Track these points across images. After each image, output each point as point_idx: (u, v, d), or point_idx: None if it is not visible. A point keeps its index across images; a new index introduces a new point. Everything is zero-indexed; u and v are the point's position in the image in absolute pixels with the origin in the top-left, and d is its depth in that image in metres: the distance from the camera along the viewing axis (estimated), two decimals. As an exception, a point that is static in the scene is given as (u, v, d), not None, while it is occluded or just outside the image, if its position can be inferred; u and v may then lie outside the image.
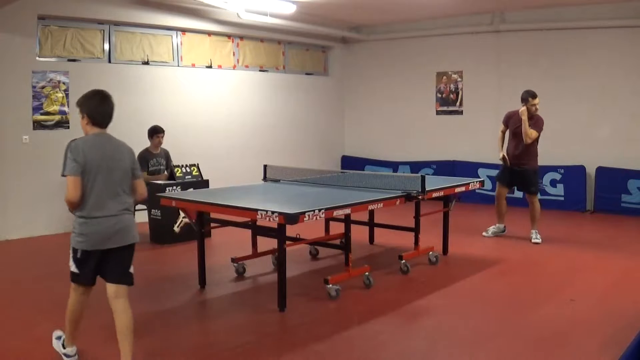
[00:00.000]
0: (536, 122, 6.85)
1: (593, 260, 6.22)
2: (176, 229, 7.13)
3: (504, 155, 7.07)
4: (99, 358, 3.79)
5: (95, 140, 3.47)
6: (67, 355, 3.68)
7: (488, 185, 9.58)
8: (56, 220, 7.69)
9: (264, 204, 4.74)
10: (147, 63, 8.70)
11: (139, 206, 7.59)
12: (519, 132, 6.87)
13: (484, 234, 7.41)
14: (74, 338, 3.71)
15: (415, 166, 10.68)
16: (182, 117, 8.99)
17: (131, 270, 3.57)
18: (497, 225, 7.40)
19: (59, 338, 3.81)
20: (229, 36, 9.78)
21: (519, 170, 6.99)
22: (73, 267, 3.50)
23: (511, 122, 7.06)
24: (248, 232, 5.84)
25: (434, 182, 6.02)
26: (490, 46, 10.14)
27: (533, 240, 6.95)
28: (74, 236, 3.45)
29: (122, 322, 3.50)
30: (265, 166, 6.52)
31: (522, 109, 6.82)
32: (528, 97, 6.84)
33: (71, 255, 3.49)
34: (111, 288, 3.52)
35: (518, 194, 8.11)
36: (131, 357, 3.46)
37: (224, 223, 5.56)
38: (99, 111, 3.48)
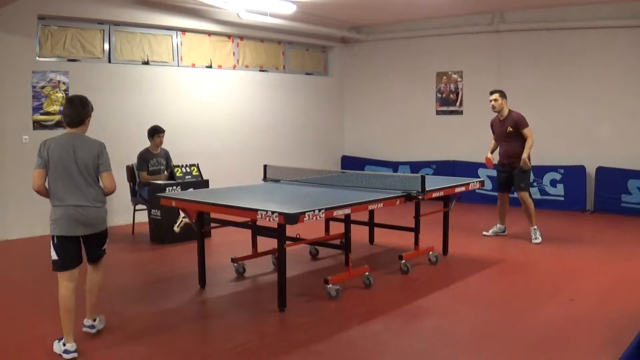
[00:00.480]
0: (516, 121, 6.88)
1: (593, 260, 6.22)
2: (176, 229, 7.13)
3: (487, 157, 7.22)
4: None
5: (62, 138, 3.91)
6: (67, 352, 3.71)
7: (488, 185, 9.57)
8: (56, 220, 7.68)
9: (264, 204, 4.73)
10: (147, 63, 8.70)
11: (139, 206, 7.61)
12: (503, 136, 7.01)
13: (484, 233, 7.42)
14: (71, 334, 3.78)
15: (415, 166, 10.68)
16: (182, 117, 8.99)
17: (104, 247, 4.11)
18: (498, 225, 7.40)
19: (59, 340, 3.83)
20: (229, 36, 9.78)
21: (510, 170, 6.99)
22: (53, 255, 3.94)
23: (494, 128, 7.21)
24: (248, 232, 5.84)
25: (434, 182, 6.01)
26: (490, 46, 10.14)
27: (533, 241, 6.91)
28: (50, 224, 3.96)
29: (90, 281, 4.10)
30: (265, 166, 6.52)
31: (525, 162, 6.81)
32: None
33: (51, 243, 3.95)
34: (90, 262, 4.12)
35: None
36: (93, 308, 4.09)
37: (224, 223, 5.56)
38: (64, 114, 3.99)
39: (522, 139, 6.88)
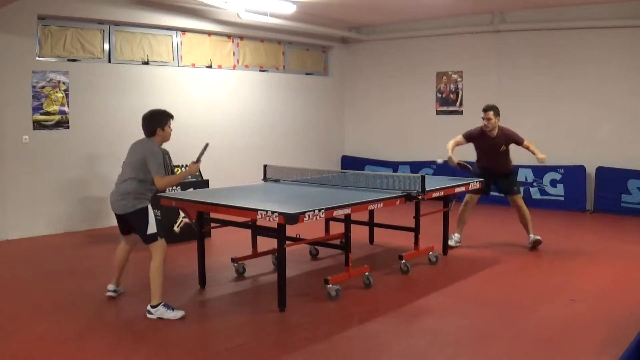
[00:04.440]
0: (511, 139, 6.53)
1: (593, 261, 6.22)
2: (176, 229, 7.13)
3: (450, 157, 6.62)
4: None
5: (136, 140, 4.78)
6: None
7: (488, 185, 9.57)
8: (56, 220, 7.69)
9: (264, 204, 4.74)
10: (147, 63, 8.70)
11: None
12: (492, 152, 6.59)
13: (450, 243, 6.69)
14: (115, 278, 4.99)
15: (415, 166, 10.68)
16: (182, 117, 8.92)
17: (144, 232, 4.63)
18: (456, 234, 6.84)
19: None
20: (229, 36, 9.78)
21: (498, 173, 6.69)
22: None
23: (481, 143, 6.67)
24: (248, 232, 5.84)
25: (434, 182, 6.02)
26: (490, 46, 10.14)
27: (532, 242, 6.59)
28: None
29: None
30: (265, 166, 6.52)
31: (542, 157, 6.42)
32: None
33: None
34: None
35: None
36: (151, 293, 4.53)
37: (224, 223, 5.56)
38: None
39: (507, 151, 6.58)
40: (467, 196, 6.86)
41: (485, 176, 6.64)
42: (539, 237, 6.66)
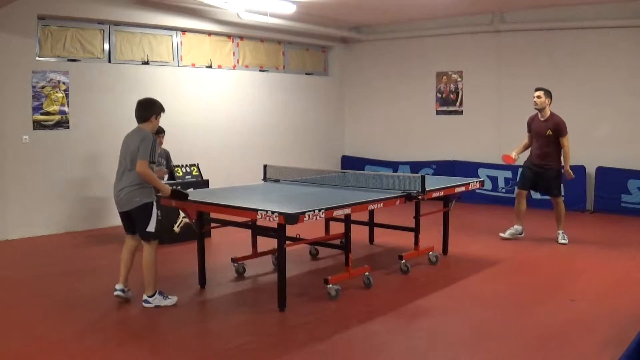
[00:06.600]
0: (558, 126, 6.73)
1: (593, 260, 6.22)
2: (176, 229, 7.13)
3: (507, 156, 7.06)
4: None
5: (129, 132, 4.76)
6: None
7: (488, 185, 9.57)
8: (56, 220, 7.69)
9: (264, 204, 4.74)
10: (147, 63, 8.70)
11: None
12: (541, 137, 6.82)
13: (501, 234, 7.17)
14: (122, 277, 4.76)
15: (415, 166, 10.68)
16: (182, 117, 8.99)
17: (145, 228, 4.62)
18: (515, 226, 7.17)
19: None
20: (229, 36, 9.78)
21: (541, 172, 6.85)
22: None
23: (533, 126, 6.96)
24: (248, 232, 5.84)
25: (434, 182, 6.02)
26: (490, 46, 10.13)
27: (560, 241, 6.85)
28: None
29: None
30: (265, 166, 6.52)
31: (569, 173, 6.82)
32: None
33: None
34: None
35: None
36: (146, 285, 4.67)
37: (224, 223, 5.56)
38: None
39: (559, 143, 6.77)
40: (516, 191, 7.21)
41: (532, 175, 6.94)
42: (564, 241, 6.87)
